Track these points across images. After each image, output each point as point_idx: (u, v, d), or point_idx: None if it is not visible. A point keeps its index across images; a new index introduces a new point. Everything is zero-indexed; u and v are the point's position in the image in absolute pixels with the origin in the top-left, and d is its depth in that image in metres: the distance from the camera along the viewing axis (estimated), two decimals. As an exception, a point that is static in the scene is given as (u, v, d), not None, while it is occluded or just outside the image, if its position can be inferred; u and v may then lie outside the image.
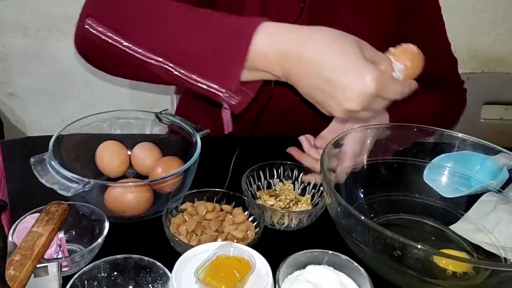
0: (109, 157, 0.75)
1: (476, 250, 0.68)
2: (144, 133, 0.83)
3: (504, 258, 0.66)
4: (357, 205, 0.73)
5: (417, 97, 0.78)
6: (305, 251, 0.53)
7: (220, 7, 0.85)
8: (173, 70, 0.60)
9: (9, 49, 1.46)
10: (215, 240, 0.62)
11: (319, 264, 0.53)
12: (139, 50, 0.61)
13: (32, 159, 0.65)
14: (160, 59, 0.60)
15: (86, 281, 0.52)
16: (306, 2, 0.84)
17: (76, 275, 0.52)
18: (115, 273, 0.55)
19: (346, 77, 0.54)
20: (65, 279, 0.52)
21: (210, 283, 0.50)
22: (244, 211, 0.68)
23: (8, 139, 0.92)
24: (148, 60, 0.61)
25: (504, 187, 0.74)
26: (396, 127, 0.78)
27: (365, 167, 0.75)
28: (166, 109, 0.81)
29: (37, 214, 0.59)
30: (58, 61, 1.46)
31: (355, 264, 0.52)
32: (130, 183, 0.68)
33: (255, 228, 0.65)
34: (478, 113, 1.35)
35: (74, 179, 0.62)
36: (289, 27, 0.58)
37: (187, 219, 0.65)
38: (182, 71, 0.60)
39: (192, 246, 0.54)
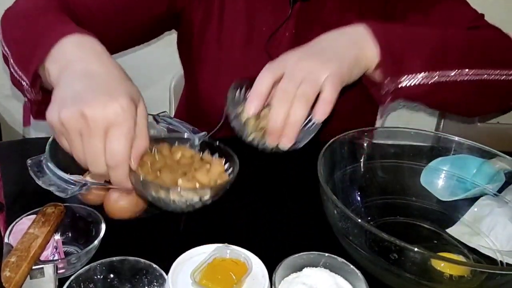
0: None
1: (473, 253, 0.68)
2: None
3: (500, 261, 0.66)
4: (354, 208, 0.73)
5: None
6: (301, 253, 0.53)
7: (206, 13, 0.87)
8: (11, 60, 0.66)
9: (7, 50, 1.45)
10: (175, 181, 0.58)
11: (316, 266, 0.53)
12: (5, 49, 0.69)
13: (29, 161, 0.65)
14: (5, 49, 0.68)
15: (82, 283, 0.52)
16: (293, 9, 0.85)
17: (72, 277, 0.51)
18: (111, 275, 0.54)
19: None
20: (61, 281, 0.52)
21: (206, 286, 0.50)
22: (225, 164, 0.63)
23: (5, 141, 0.91)
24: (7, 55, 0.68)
25: (500, 190, 0.74)
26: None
27: (362, 169, 0.76)
28: (164, 111, 0.81)
29: (33, 216, 0.59)
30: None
31: (351, 266, 0.52)
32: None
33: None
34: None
35: (71, 181, 0.62)
36: (90, 45, 0.60)
37: (157, 158, 0.60)
38: (11, 60, 0.66)
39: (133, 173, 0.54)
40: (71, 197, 0.61)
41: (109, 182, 0.57)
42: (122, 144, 0.52)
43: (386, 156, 0.77)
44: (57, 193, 0.61)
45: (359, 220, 0.56)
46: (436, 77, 0.69)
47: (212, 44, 0.91)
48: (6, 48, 0.70)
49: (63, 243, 0.62)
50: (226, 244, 0.54)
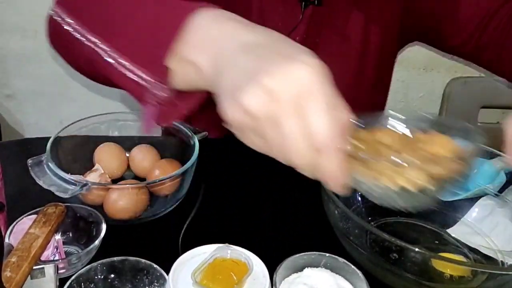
0: (107, 159, 0.75)
1: (473, 253, 0.68)
2: (142, 136, 0.83)
3: (501, 261, 0.66)
4: (354, 208, 0.72)
5: None
6: (302, 253, 0.53)
7: None
8: (104, 53, 0.53)
9: (7, 50, 1.46)
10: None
11: (317, 267, 0.53)
12: (78, 28, 0.57)
13: (29, 161, 0.65)
14: (94, 40, 0.54)
15: (83, 283, 0.52)
16: (304, 13, 0.84)
17: (73, 277, 0.51)
18: (112, 275, 0.54)
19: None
20: (62, 281, 0.52)
21: (207, 286, 0.50)
22: None
23: (6, 141, 0.92)
24: (84, 41, 0.55)
25: (501, 190, 0.74)
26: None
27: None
28: None
29: (34, 216, 0.59)
30: (56, 63, 1.46)
31: (353, 267, 0.52)
32: (127, 185, 0.68)
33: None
34: (475, 117, 1.35)
35: (72, 181, 0.62)
36: (230, 14, 0.49)
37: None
38: (112, 53, 0.53)
39: None
40: (72, 197, 0.61)
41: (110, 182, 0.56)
42: (327, 117, 0.40)
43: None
44: (57, 193, 0.61)
45: (360, 220, 0.56)
46: None
47: None
48: (84, 34, 0.56)
49: (64, 243, 0.62)
50: (227, 244, 0.54)
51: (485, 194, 0.74)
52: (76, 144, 0.75)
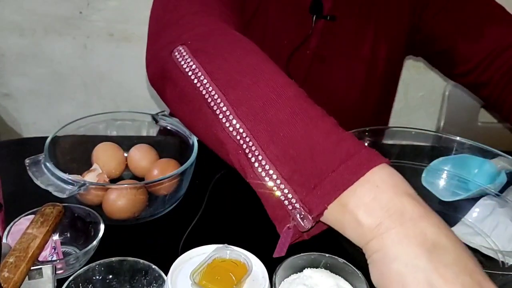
0: (105, 158, 0.75)
1: (474, 253, 0.68)
2: (140, 135, 0.82)
3: (502, 262, 0.66)
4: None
5: None
6: (302, 254, 0.53)
7: None
8: (246, 149, 0.48)
9: (5, 49, 1.45)
10: None
11: (316, 267, 0.53)
12: (222, 105, 0.50)
13: (27, 160, 0.64)
14: (240, 129, 0.49)
15: (80, 284, 0.52)
16: (315, 27, 0.84)
17: (71, 278, 0.51)
18: (110, 276, 0.54)
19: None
20: (60, 282, 0.52)
21: (206, 286, 0.49)
22: None
23: (3, 140, 0.91)
24: (224, 122, 0.50)
25: (502, 190, 0.74)
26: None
27: None
28: (163, 111, 0.81)
29: (31, 216, 0.58)
30: (54, 62, 1.46)
31: (352, 267, 0.52)
32: (125, 185, 0.67)
33: None
34: (475, 116, 1.35)
35: (69, 181, 0.62)
36: (407, 184, 0.46)
37: None
38: (259, 157, 0.47)
39: None
40: (70, 197, 0.61)
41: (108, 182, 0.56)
42: None
43: (387, 156, 0.76)
44: (55, 193, 0.61)
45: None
46: None
47: None
48: (220, 104, 0.50)
49: (62, 243, 0.62)
50: (226, 244, 0.54)
51: (486, 194, 0.74)
52: (74, 143, 0.75)
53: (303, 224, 0.46)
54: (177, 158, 0.74)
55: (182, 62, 0.55)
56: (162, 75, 0.60)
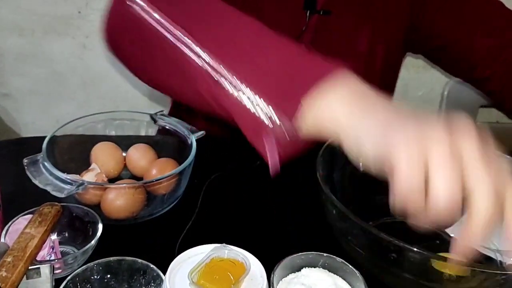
0: (103, 158, 0.75)
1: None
2: (139, 135, 0.82)
3: (500, 261, 0.66)
4: (353, 207, 0.72)
5: None
6: (300, 253, 0.53)
7: None
8: (218, 77, 0.50)
9: (4, 49, 1.45)
10: None
11: (314, 266, 0.53)
12: (186, 40, 0.51)
13: (25, 160, 0.64)
14: (209, 60, 0.50)
15: (79, 284, 0.52)
16: (309, 21, 0.84)
17: (69, 277, 0.51)
18: (108, 275, 0.54)
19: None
20: (58, 281, 0.52)
21: (204, 286, 0.49)
22: None
23: (2, 140, 0.91)
24: (193, 57, 0.51)
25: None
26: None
27: (362, 169, 0.75)
28: (161, 111, 0.81)
29: (29, 216, 0.58)
30: (53, 62, 1.46)
31: (350, 267, 0.52)
32: (124, 185, 0.67)
33: None
34: (474, 116, 1.35)
35: (68, 180, 0.62)
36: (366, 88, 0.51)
37: None
38: (232, 80, 0.49)
39: None
40: (68, 196, 0.61)
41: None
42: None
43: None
44: (53, 193, 0.61)
45: (358, 220, 0.56)
46: None
47: None
48: (181, 37, 0.52)
49: (60, 243, 0.62)
50: (224, 244, 0.54)
51: (484, 194, 0.74)
52: (72, 143, 0.75)
53: (280, 131, 0.48)
54: (175, 158, 0.74)
55: (142, 12, 0.55)
56: (119, 26, 0.60)
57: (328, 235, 0.64)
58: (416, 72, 1.45)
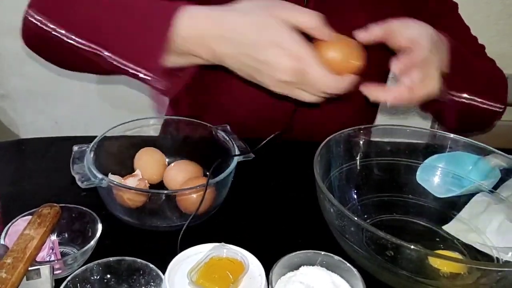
0: (146, 164, 0.76)
1: (469, 250, 0.69)
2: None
3: (497, 258, 0.66)
4: (350, 206, 0.73)
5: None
6: (298, 252, 0.53)
7: None
8: (105, 56, 0.61)
9: (2, 50, 1.45)
10: None
11: (312, 265, 0.53)
12: (72, 37, 0.63)
13: (75, 147, 0.68)
14: (92, 45, 0.62)
15: (78, 284, 0.52)
16: (308, 4, 0.84)
17: (69, 278, 0.51)
18: (108, 275, 0.54)
19: (265, 52, 0.57)
20: (58, 282, 0.52)
21: (203, 285, 0.50)
22: None
23: (1, 141, 0.91)
24: (82, 47, 0.63)
25: (496, 187, 0.74)
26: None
27: (358, 167, 0.76)
28: (225, 125, 0.80)
29: (29, 217, 0.59)
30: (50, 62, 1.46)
31: (348, 264, 0.53)
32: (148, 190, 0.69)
33: None
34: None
35: (96, 175, 0.63)
36: (209, 8, 0.59)
37: None
38: (113, 57, 0.61)
39: None
40: (73, 197, 0.61)
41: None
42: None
43: (382, 154, 0.77)
44: (78, 182, 0.62)
45: (355, 218, 0.56)
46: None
47: None
48: (70, 36, 0.64)
49: (60, 243, 0.62)
50: (222, 243, 0.54)
51: (480, 191, 0.74)
52: (119, 146, 0.76)
53: (163, 84, 0.60)
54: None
55: (34, 20, 0.66)
56: (28, 36, 0.71)
57: (326, 233, 0.64)
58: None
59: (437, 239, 0.71)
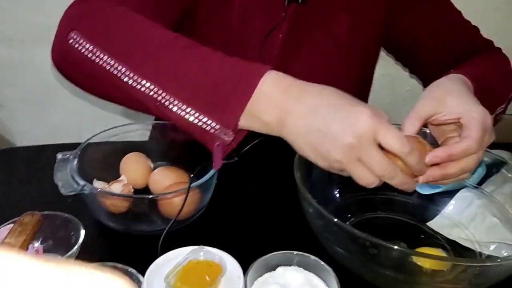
0: (131, 169, 0.76)
1: (452, 245, 0.69)
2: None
3: (479, 252, 0.67)
4: (334, 205, 0.73)
5: (477, 64, 0.80)
6: (275, 253, 0.54)
7: (202, 14, 0.86)
8: (161, 99, 0.58)
9: (-5, 60, 1.46)
10: None
11: (290, 265, 0.54)
12: (129, 73, 0.59)
13: (59, 154, 0.68)
14: (151, 86, 0.58)
15: (60, 290, 0.53)
16: (287, 11, 0.85)
17: (50, 285, 0.52)
18: (89, 281, 0.55)
19: (339, 123, 0.54)
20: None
21: (180, 288, 0.50)
22: None
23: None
24: (135, 85, 0.58)
25: (481, 182, 0.75)
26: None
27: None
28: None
29: (11, 225, 0.59)
30: (43, 71, 1.46)
31: (323, 264, 0.53)
32: (131, 195, 0.69)
33: None
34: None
35: (79, 182, 0.63)
36: (291, 78, 0.57)
37: None
38: (174, 101, 0.57)
39: None
40: (59, 204, 0.62)
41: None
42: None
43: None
44: (60, 190, 0.63)
45: (333, 217, 0.56)
46: None
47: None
48: (122, 69, 0.59)
49: (45, 251, 0.62)
50: (201, 246, 0.55)
51: (464, 187, 0.75)
52: (105, 151, 0.77)
53: (226, 139, 0.57)
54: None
55: (79, 47, 0.62)
56: (65, 61, 0.66)
57: (309, 234, 0.65)
58: (402, 67, 1.45)
59: (422, 236, 0.71)
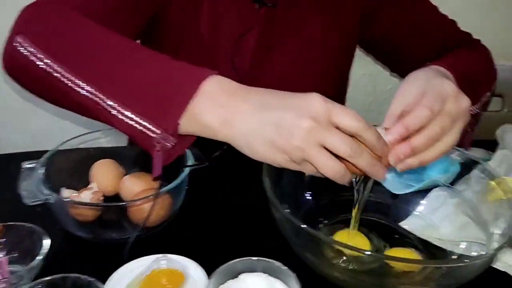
0: (102, 176, 0.75)
1: (425, 245, 0.68)
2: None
3: (451, 251, 0.66)
4: (306, 209, 0.72)
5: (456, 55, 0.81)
6: (238, 259, 0.53)
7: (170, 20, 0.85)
8: (102, 103, 0.57)
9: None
10: None
11: (253, 271, 0.53)
12: (68, 75, 0.59)
13: (23, 164, 0.67)
14: (90, 89, 0.57)
15: (23, 303, 0.52)
16: (259, 15, 0.84)
17: (11, 298, 0.51)
18: (53, 293, 0.54)
19: (293, 110, 0.52)
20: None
21: (141, 298, 0.50)
22: None
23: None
24: (76, 89, 0.58)
25: (454, 182, 0.74)
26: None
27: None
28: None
29: (-25, 237, 0.58)
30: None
31: (286, 269, 0.52)
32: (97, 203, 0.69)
33: None
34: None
35: (44, 192, 0.63)
36: (236, 83, 0.56)
37: None
38: (114, 105, 0.56)
39: None
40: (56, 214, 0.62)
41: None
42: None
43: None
44: (23, 199, 0.62)
45: (300, 224, 0.56)
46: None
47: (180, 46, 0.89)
48: (66, 75, 0.59)
49: (10, 262, 0.61)
50: (164, 254, 0.54)
51: (437, 186, 0.74)
52: (75, 158, 0.76)
53: (167, 144, 0.55)
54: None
55: (23, 50, 0.61)
56: (12, 66, 0.66)
57: (281, 241, 0.63)
58: (384, 66, 1.45)
59: (396, 236, 0.71)
